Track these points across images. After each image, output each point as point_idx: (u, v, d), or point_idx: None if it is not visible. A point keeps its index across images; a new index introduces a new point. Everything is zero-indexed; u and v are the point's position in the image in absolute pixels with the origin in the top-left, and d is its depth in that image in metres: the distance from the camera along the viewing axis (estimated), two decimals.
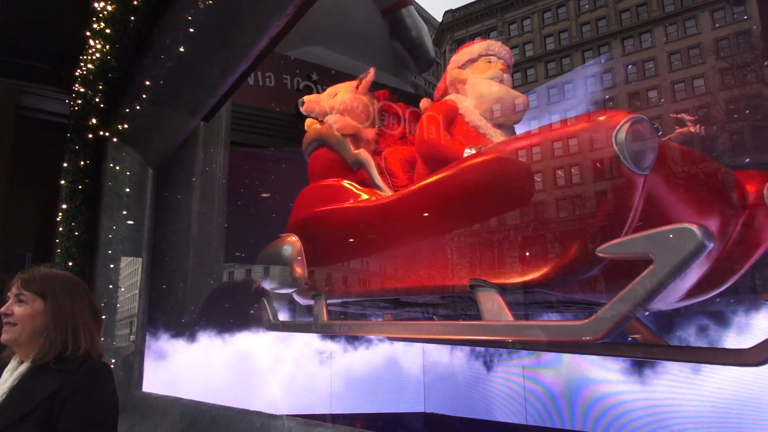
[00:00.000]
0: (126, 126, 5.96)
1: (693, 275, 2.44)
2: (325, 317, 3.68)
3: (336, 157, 3.67)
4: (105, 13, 4.70)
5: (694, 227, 1.72)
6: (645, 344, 2.90)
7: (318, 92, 10.03)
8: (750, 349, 2.35)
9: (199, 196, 7.54)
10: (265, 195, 9.20)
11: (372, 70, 3.71)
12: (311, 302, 3.84)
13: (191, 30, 4.33)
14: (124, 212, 6.32)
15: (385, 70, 11.91)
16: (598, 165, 2.02)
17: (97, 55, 5.15)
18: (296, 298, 4.01)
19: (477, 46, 3.01)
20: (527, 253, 2.30)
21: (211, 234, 7.58)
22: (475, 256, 2.54)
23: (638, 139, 1.95)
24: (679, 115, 2.40)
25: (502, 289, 2.37)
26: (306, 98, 3.85)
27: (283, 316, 4.43)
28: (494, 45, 3.02)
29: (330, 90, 3.87)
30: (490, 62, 2.92)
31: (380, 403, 6.15)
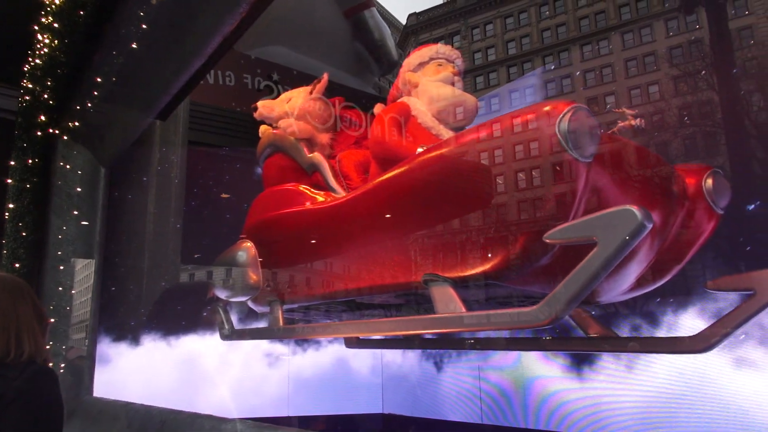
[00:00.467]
0: (77, 123, 5.79)
1: (638, 265, 2.52)
2: (281, 322, 3.66)
3: (291, 162, 3.65)
4: (53, 6, 4.56)
5: (634, 208, 1.78)
6: (598, 337, 2.98)
7: (279, 92, 10.01)
8: (695, 336, 2.46)
9: (154, 196, 7.39)
10: (224, 196, 9.07)
11: (326, 75, 3.72)
12: (266, 309, 3.81)
13: (144, 26, 4.23)
14: (75, 212, 6.14)
15: (348, 71, 11.90)
16: (544, 154, 2.07)
17: (46, 50, 4.99)
18: (251, 305, 3.97)
19: (428, 50, 3.07)
20: (478, 246, 2.34)
21: (166, 235, 7.42)
22: (427, 251, 2.57)
23: (580, 127, 2.01)
24: (620, 110, 2.47)
25: (455, 283, 2.40)
26: (260, 104, 3.82)
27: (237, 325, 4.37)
28: (445, 48, 3.08)
29: (284, 95, 3.85)
30: (441, 65, 2.98)
31: (337, 405, 6.14)
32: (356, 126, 3.68)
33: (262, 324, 4.05)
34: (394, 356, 5.95)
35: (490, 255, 2.28)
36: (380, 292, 3.02)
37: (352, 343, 4.73)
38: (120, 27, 4.47)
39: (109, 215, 6.36)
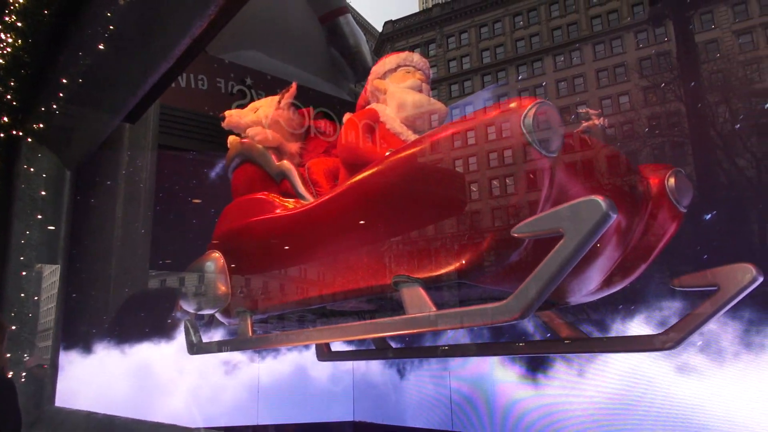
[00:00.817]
0: (42, 125, 5.65)
1: (605, 263, 2.54)
2: (250, 333, 3.60)
3: (259, 171, 3.61)
4: (17, 5, 4.45)
5: (599, 198, 1.80)
6: (570, 340, 3.00)
7: (252, 97, 9.92)
8: (663, 333, 2.51)
9: (122, 200, 7.24)
10: (196, 201, 8.95)
11: (294, 85, 3.71)
12: (235, 321, 3.75)
13: (111, 27, 4.15)
14: (39, 216, 5.98)
15: (323, 77, 11.88)
16: (510, 150, 2.10)
17: (9, 49, 4.86)
18: (220, 318, 3.90)
19: (396, 57, 3.09)
20: (446, 245, 2.33)
21: (135, 240, 7.28)
22: (396, 253, 2.56)
23: (544, 122, 2.04)
24: (584, 110, 2.51)
25: (425, 284, 2.38)
26: (227, 113, 3.78)
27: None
28: (413, 56, 3.09)
29: (252, 105, 3.82)
30: (409, 72, 2.99)
31: (299, 413, 6.07)
32: (326, 135, 3.66)
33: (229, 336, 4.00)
34: (357, 364, 5.92)
35: (459, 253, 2.27)
36: (351, 297, 3.00)
37: (324, 355, 4.67)
38: (86, 27, 4.39)
39: (74, 220, 6.21)
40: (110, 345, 6.64)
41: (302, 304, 3.46)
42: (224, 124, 3.75)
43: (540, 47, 25.93)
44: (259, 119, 3.59)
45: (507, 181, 2.14)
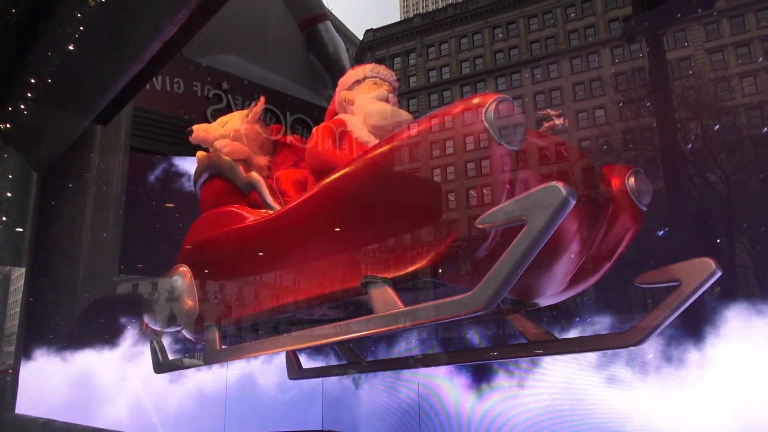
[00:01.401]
0: (8, 126, 5.53)
1: (570, 261, 2.57)
2: (218, 345, 3.56)
3: (227, 185, 3.60)
4: None
5: (559, 184, 1.83)
6: (538, 342, 3.03)
7: (229, 101, 9.83)
8: (628, 330, 2.56)
9: (92, 203, 7.10)
10: (169, 205, 8.83)
11: (262, 99, 3.71)
12: (202, 337, 3.71)
13: (81, 28, 4.09)
14: (4, 218, 5.84)
15: (301, 83, 11.84)
16: (473, 144, 2.13)
17: None
18: (186, 334, 3.85)
19: (363, 69, 3.14)
20: (413, 243, 2.35)
21: (103, 244, 7.14)
22: (364, 255, 2.57)
23: (504, 116, 2.08)
24: (545, 111, 2.57)
25: (394, 283, 2.39)
26: (195, 127, 3.75)
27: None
28: (379, 68, 3.13)
29: (220, 119, 3.81)
30: (376, 83, 3.02)
31: (257, 423, 6.00)
32: (289, 154, 3.66)
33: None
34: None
35: (425, 251, 2.29)
36: (321, 303, 2.99)
37: (295, 372, 4.64)
38: (56, 27, 4.31)
39: (41, 222, 6.08)
40: (76, 349, 6.50)
41: (272, 313, 3.43)
42: (192, 138, 3.72)
43: (518, 60, 26.25)
44: (227, 133, 3.58)
45: (470, 175, 2.17)
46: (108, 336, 6.53)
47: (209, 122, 4.55)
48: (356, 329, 2.66)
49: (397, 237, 2.43)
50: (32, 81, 4.87)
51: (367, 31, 32.27)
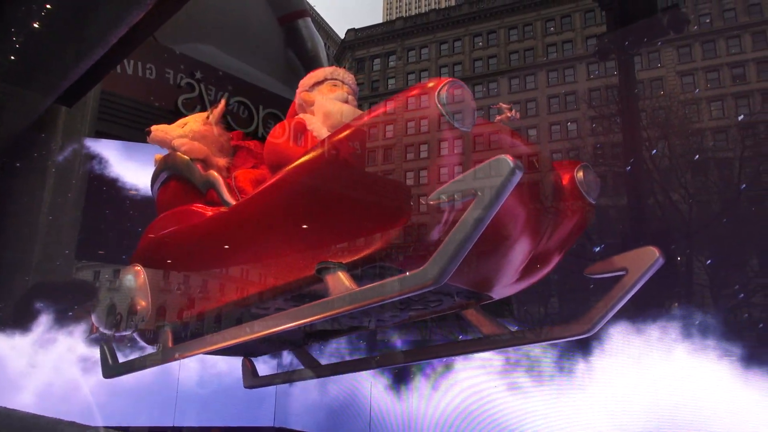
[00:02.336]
0: None
1: (523, 251, 2.62)
2: (170, 343, 3.51)
3: (185, 186, 3.57)
4: None
5: (507, 157, 1.88)
6: (493, 336, 3.07)
7: (201, 90, 9.70)
8: (578, 321, 2.66)
9: (52, 185, 6.94)
10: (133, 192, 8.67)
11: (223, 101, 3.72)
12: (153, 339, 3.65)
13: (47, 6, 4.01)
14: None
15: (278, 78, 11.76)
16: (428, 126, 2.18)
17: None
18: (137, 336, 3.78)
19: (323, 71, 3.19)
20: (368, 228, 2.37)
21: (62, 228, 6.98)
22: (319, 243, 2.59)
23: (456, 97, 2.13)
24: (497, 105, 2.67)
25: (349, 269, 2.41)
26: (153, 128, 3.71)
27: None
28: (339, 71, 3.18)
29: (180, 121, 3.78)
30: (335, 85, 3.05)
31: (228, 417, 5.96)
32: (249, 157, 3.65)
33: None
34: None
35: (379, 235, 2.32)
36: (277, 296, 2.98)
37: (251, 380, 4.61)
38: (21, 4, 4.21)
39: None
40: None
41: (227, 309, 3.40)
42: (150, 139, 3.67)
43: (497, 69, 26.54)
44: (186, 133, 3.55)
45: (423, 157, 2.21)
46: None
47: (180, 111, 4.48)
48: (311, 313, 2.67)
49: (352, 223, 2.46)
50: None
51: (348, 31, 32.23)
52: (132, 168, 8.20)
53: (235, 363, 5.80)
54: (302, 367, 4.43)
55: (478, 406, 4.86)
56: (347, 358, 5.38)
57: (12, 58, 4.74)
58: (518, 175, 1.88)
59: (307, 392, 5.39)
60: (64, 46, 4.19)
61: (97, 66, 4.62)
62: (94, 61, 4.15)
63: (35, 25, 4.24)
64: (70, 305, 6.25)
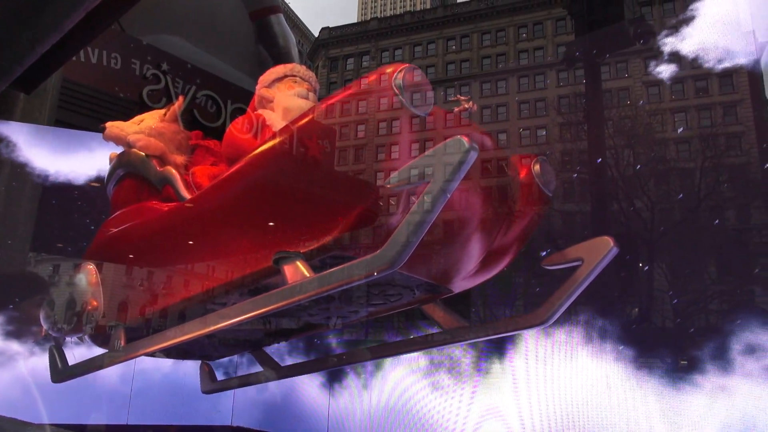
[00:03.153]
0: None
1: (481, 245, 2.64)
2: (122, 342, 3.44)
3: (141, 183, 3.51)
4: None
5: (462, 137, 1.93)
6: (454, 329, 3.11)
7: (167, 82, 9.53)
8: (534, 312, 2.73)
9: (8, 174, 6.71)
10: (93, 184, 8.45)
11: (180, 99, 3.71)
12: (104, 340, 3.57)
13: None
14: None
15: (247, 73, 11.61)
16: (384, 111, 2.18)
17: None
18: (88, 338, 3.70)
19: (283, 68, 3.25)
20: (324, 217, 2.37)
21: (16, 218, 6.76)
22: (276, 234, 2.59)
23: (412, 82, 2.16)
24: (455, 97, 2.71)
25: (307, 258, 2.45)
26: (108, 124, 3.65)
27: None
28: (299, 68, 3.27)
29: (136, 118, 3.73)
30: (295, 82, 3.08)
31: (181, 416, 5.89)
32: (208, 156, 3.61)
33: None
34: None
35: (336, 223, 2.31)
36: (233, 290, 2.96)
37: (209, 384, 4.55)
38: None
39: None
40: None
41: (184, 305, 3.35)
42: (105, 136, 3.61)
43: (469, 72, 26.77)
44: (142, 130, 3.49)
45: (380, 143, 2.22)
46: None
47: (145, 103, 4.37)
48: (268, 302, 2.63)
49: (309, 213, 2.45)
50: None
51: (322, 29, 32.08)
52: (92, 159, 7.99)
53: (161, 361, 5.76)
54: (261, 369, 4.38)
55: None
56: (288, 360, 5.47)
57: None
58: (473, 155, 1.90)
59: (245, 390, 5.40)
60: (19, 30, 4.03)
61: (55, 52, 4.46)
62: (51, 47, 4.00)
63: None
64: (17, 298, 6.06)
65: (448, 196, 1.93)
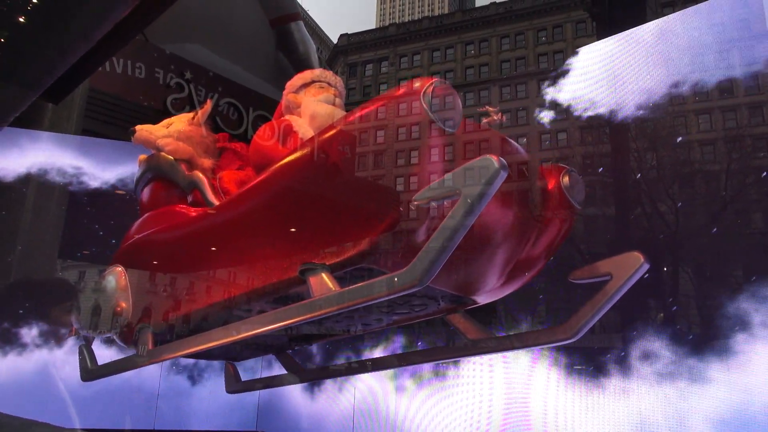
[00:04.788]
0: None
1: (507, 254, 2.62)
2: (150, 345, 3.48)
3: (169, 186, 3.55)
4: None
5: (492, 157, 1.88)
6: (480, 340, 3.08)
7: (191, 91, 9.65)
8: (563, 325, 2.67)
9: (36, 184, 6.85)
10: (119, 192, 8.59)
11: (209, 102, 3.75)
12: (133, 340, 3.61)
13: (34, 0, 3.97)
14: None
15: (268, 80, 11.74)
16: (414, 127, 2.18)
17: None
18: (116, 338, 3.74)
19: (310, 73, 3.23)
20: (352, 229, 2.36)
21: (45, 226, 6.89)
22: (303, 244, 2.59)
23: (443, 98, 2.14)
24: (483, 108, 2.69)
25: (332, 270, 2.41)
26: (138, 127, 3.70)
27: None
28: (326, 73, 3.22)
29: (165, 121, 3.77)
30: (322, 87, 3.07)
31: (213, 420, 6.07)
32: (235, 159, 3.64)
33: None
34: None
35: (364, 236, 2.30)
36: (260, 298, 2.97)
37: (234, 385, 4.57)
38: None
39: None
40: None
41: (210, 310, 3.37)
42: (134, 139, 3.66)
43: (488, 77, 26.71)
44: (171, 133, 3.53)
45: (409, 158, 2.20)
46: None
47: (169, 111, 4.44)
48: (293, 314, 2.64)
49: (337, 224, 2.44)
50: None
51: (341, 36, 32.26)
52: (118, 167, 8.13)
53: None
54: (285, 372, 4.40)
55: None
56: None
57: None
58: (503, 176, 1.88)
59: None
60: (48, 42, 4.14)
61: (83, 63, 4.57)
62: (79, 58, 4.10)
63: (20, 20, 4.19)
64: (49, 304, 6.18)
65: (477, 215, 1.92)
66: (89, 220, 7.61)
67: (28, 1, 4.04)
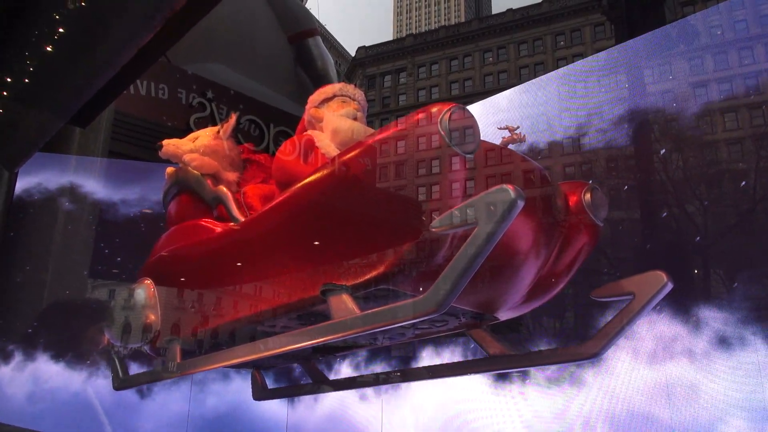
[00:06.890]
0: None
1: (529, 273, 2.60)
2: (178, 358, 3.53)
3: (195, 200, 3.60)
4: None
5: (508, 187, 1.89)
6: (500, 356, 3.05)
7: (213, 110, 9.82)
8: (586, 344, 2.63)
9: (65, 206, 7.03)
10: (147, 211, 8.76)
11: (233, 116, 3.76)
12: (161, 352, 3.67)
13: (61, 30, 4.10)
14: None
15: (288, 96, 11.89)
16: (430, 152, 2.16)
17: None
18: (146, 350, 3.81)
19: (332, 87, 3.20)
20: (373, 251, 2.36)
21: (75, 246, 7.05)
22: (325, 264, 2.58)
23: (459, 123, 2.13)
24: (503, 127, 2.65)
25: (352, 290, 2.41)
26: (165, 142, 3.75)
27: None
28: (348, 87, 3.18)
29: (191, 135, 3.82)
30: (344, 102, 3.06)
31: None
32: (259, 172, 3.68)
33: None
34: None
35: (382, 257, 2.31)
36: (282, 314, 2.98)
37: (260, 392, 4.60)
38: (34, 29, 4.30)
39: (9, 221, 6.00)
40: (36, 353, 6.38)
41: (235, 325, 3.41)
42: (161, 153, 3.71)
43: (507, 83, 26.61)
44: (197, 148, 3.59)
45: (427, 182, 2.21)
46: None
47: (192, 130, 4.54)
48: (314, 335, 2.66)
49: (359, 243, 2.45)
50: (8, 80, 4.84)
51: (359, 49, 32.48)
52: (144, 187, 8.29)
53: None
54: (311, 382, 4.41)
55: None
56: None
57: (26, 80, 4.84)
58: (519, 206, 1.88)
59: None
60: (75, 68, 4.26)
61: (109, 87, 4.70)
62: (105, 83, 4.21)
63: (48, 49, 4.33)
64: (85, 325, 6.33)
65: (494, 244, 1.92)
66: (119, 240, 7.78)
67: (55, 30, 4.18)
